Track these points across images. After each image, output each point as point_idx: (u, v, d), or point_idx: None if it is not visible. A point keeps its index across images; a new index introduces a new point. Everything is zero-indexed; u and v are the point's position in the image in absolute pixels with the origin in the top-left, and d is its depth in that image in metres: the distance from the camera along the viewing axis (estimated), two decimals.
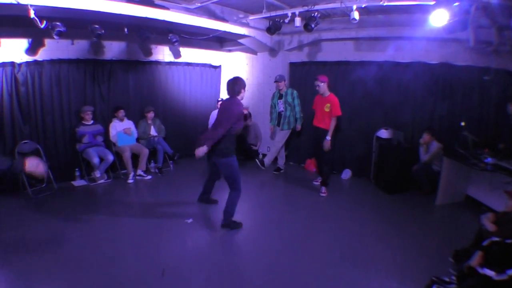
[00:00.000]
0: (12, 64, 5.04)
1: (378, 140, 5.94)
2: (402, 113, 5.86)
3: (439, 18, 4.04)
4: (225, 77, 8.07)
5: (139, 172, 6.11)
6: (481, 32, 4.25)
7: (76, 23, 4.80)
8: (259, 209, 4.97)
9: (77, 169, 5.83)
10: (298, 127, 6.26)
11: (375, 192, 5.67)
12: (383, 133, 5.87)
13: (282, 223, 4.35)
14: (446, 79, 5.39)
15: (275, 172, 6.57)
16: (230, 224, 4.12)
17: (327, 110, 5.23)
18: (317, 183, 5.83)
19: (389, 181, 5.51)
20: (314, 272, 3.27)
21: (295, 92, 6.15)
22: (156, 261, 3.38)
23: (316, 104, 5.48)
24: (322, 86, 5.24)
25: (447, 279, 2.96)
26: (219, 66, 8.04)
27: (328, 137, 5.17)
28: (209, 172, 4.81)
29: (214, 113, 7.57)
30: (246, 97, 7.84)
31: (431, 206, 4.99)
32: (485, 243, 2.86)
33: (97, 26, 4.96)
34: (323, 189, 5.48)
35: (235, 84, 4.02)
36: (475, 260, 2.81)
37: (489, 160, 4.18)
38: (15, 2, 3.54)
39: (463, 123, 4.72)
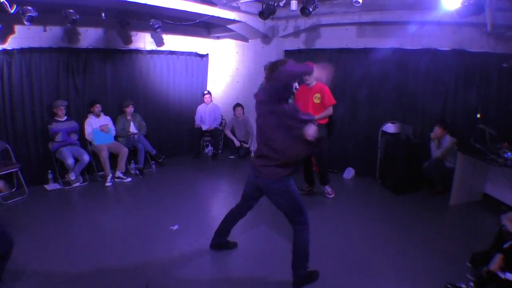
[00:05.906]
0: None
1: (384, 135, 5.92)
2: (411, 105, 5.84)
3: (452, 1, 4.03)
4: (213, 66, 8.11)
5: (118, 174, 6.04)
6: (499, 15, 4.24)
7: (49, 8, 4.78)
8: (254, 216, 4.20)
9: (50, 171, 5.75)
10: None
11: (381, 192, 5.65)
12: (390, 128, 5.85)
13: (279, 228, 4.17)
14: (459, 67, 5.38)
15: None
16: (306, 279, 3.15)
17: (317, 101, 5.02)
18: (302, 192, 5.19)
19: (397, 180, 5.48)
20: (317, 282, 3.20)
21: None
22: (139, 274, 3.32)
23: (301, 96, 5.08)
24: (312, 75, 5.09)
25: (463, 286, 2.94)
26: (206, 55, 8.01)
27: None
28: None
29: (201, 108, 7.56)
30: (235, 89, 7.92)
31: (444, 206, 4.97)
32: (506, 245, 2.85)
33: (72, 10, 4.93)
34: (328, 188, 5.36)
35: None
36: (495, 264, 2.78)
37: (509, 154, 4.15)
38: None
39: (478, 115, 4.72)
